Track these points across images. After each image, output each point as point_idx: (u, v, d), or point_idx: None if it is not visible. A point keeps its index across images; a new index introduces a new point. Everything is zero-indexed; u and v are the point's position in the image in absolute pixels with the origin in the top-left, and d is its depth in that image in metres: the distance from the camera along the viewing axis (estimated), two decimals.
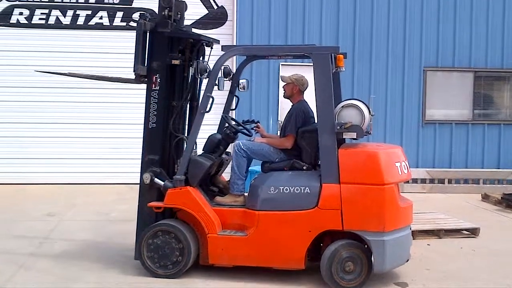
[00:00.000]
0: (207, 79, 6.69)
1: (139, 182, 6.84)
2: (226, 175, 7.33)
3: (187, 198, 6.53)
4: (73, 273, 6.72)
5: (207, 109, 6.60)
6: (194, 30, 7.76)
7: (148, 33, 6.76)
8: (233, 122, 7.26)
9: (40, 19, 13.01)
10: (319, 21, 13.27)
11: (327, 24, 13.29)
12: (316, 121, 6.71)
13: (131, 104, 12.10)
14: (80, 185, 12.68)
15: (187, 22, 7.35)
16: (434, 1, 13.52)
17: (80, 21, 13.07)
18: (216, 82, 6.64)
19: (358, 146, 6.69)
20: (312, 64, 6.47)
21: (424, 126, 13.63)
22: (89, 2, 13.08)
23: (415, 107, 13.61)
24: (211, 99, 6.57)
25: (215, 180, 7.21)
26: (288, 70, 10.81)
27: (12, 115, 12.84)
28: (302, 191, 6.34)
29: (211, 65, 6.82)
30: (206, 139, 6.99)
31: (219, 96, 7.01)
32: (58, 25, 13.04)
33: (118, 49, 12.40)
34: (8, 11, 12.92)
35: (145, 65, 6.78)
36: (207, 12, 13.28)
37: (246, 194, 6.79)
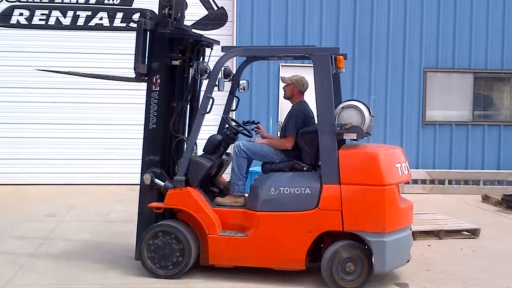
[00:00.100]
0: (207, 80, 6.69)
1: (139, 182, 6.84)
2: (226, 176, 7.33)
3: (187, 199, 6.53)
4: (73, 273, 6.72)
5: (207, 110, 6.61)
6: (194, 30, 7.74)
7: (148, 32, 6.76)
8: (233, 123, 7.26)
9: (40, 20, 13.02)
10: (319, 22, 13.28)
11: (327, 25, 13.29)
12: (316, 122, 6.71)
13: (131, 105, 12.13)
14: (80, 185, 12.68)
15: (187, 23, 7.35)
16: (434, 2, 13.52)
17: (80, 22, 13.08)
18: (216, 83, 6.65)
19: (358, 147, 6.69)
20: (312, 65, 6.47)
21: (424, 127, 13.63)
22: (89, 3, 13.09)
23: (415, 108, 13.61)
24: (211, 100, 6.57)
25: (216, 181, 7.21)
26: (288, 71, 10.83)
27: (11, 115, 12.84)
28: (303, 192, 6.34)
29: (211, 66, 6.82)
30: (206, 140, 6.99)
31: (219, 97, 7.02)
32: (58, 25, 13.04)
33: (118, 50, 12.40)
34: (8, 12, 12.92)
35: (146, 63, 6.78)
36: (207, 13, 13.29)
37: (246, 195, 6.79)
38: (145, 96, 6.87)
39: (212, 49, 7.37)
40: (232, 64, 11.69)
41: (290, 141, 6.80)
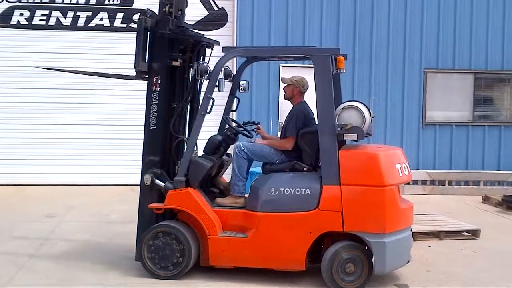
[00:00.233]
0: (208, 80, 6.69)
1: (139, 183, 6.84)
2: (226, 176, 7.33)
3: (187, 200, 6.53)
4: (73, 274, 6.72)
5: (208, 111, 6.60)
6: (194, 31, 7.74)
7: (149, 33, 6.76)
8: (234, 124, 7.26)
9: (40, 20, 13.02)
10: (319, 22, 13.28)
11: (327, 26, 13.30)
12: (316, 123, 6.71)
13: (132, 106, 12.14)
14: (80, 186, 12.69)
15: (187, 24, 7.35)
16: (434, 2, 13.52)
17: (81, 22, 13.09)
18: (217, 83, 6.63)
19: (358, 147, 6.69)
20: (312, 65, 6.47)
21: (424, 127, 13.63)
22: (90, 3, 13.09)
23: (416, 109, 13.61)
24: (211, 101, 6.57)
25: (216, 181, 7.21)
26: (288, 72, 10.83)
27: (12, 116, 12.85)
28: (303, 193, 6.34)
29: (211, 66, 6.82)
30: (206, 141, 6.99)
31: (220, 98, 7.02)
32: (59, 26, 13.05)
33: (119, 50, 12.41)
34: (9, 12, 12.93)
35: (146, 61, 6.78)
36: (208, 13, 13.30)
37: (246, 195, 6.79)
38: (145, 97, 6.88)
39: (212, 49, 7.37)
40: (233, 65, 11.70)
41: (291, 141, 6.80)
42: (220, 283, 6.47)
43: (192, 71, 6.94)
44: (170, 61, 6.78)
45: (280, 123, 12.41)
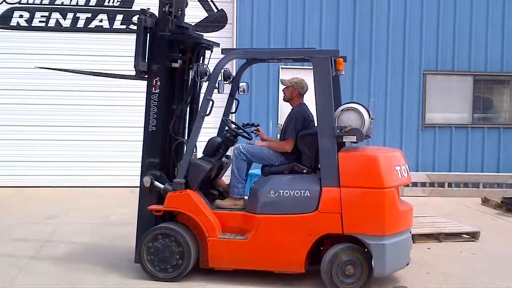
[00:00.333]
0: (207, 82, 6.70)
1: (139, 185, 6.84)
2: (226, 178, 7.34)
3: (187, 201, 6.53)
4: (73, 276, 6.72)
5: (207, 112, 6.61)
6: None
7: (148, 34, 6.76)
8: (233, 125, 7.27)
9: (40, 21, 13.03)
10: (319, 24, 13.28)
11: (327, 28, 13.30)
12: (316, 125, 6.71)
13: (131, 107, 12.14)
14: (80, 188, 12.66)
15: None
16: (434, 4, 13.53)
17: (80, 24, 13.10)
18: (216, 85, 6.65)
19: (358, 149, 6.70)
20: (312, 67, 6.47)
21: (424, 129, 13.63)
22: (89, 5, 13.10)
23: (415, 111, 13.62)
24: (211, 102, 6.58)
25: (215, 183, 7.21)
26: (288, 74, 10.80)
27: (12, 117, 12.84)
28: (302, 195, 6.34)
29: (211, 68, 6.83)
30: (206, 142, 7.00)
31: (219, 99, 7.02)
32: (58, 27, 13.06)
33: (118, 52, 12.40)
34: (8, 14, 12.93)
35: (146, 61, 6.78)
36: (207, 15, 13.30)
37: (246, 197, 6.79)
38: (145, 99, 6.88)
39: (212, 51, 7.38)
40: (232, 67, 11.68)
41: (290, 143, 6.81)
42: (219, 285, 6.47)
43: (191, 73, 6.94)
44: (169, 63, 6.78)
45: (279, 125, 12.39)
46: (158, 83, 6.79)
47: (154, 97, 6.81)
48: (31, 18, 12.99)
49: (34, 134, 12.86)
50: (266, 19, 13.17)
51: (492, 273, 7.20)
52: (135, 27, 6.80)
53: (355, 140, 6.41)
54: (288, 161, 6.76)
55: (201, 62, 7.19)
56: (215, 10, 13.29)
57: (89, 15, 13.12)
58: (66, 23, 13.06)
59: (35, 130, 12.87)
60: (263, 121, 12.78)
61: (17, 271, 6.84)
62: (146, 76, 6.86)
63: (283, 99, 7.24)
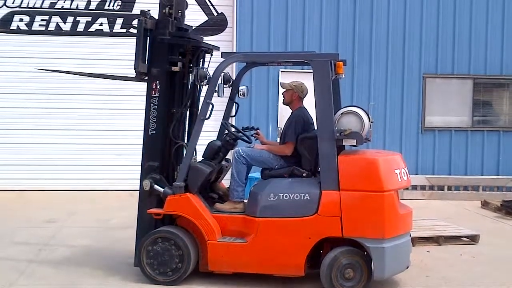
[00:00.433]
0: (207, 86, 6.71)
1: (138, 188, 6.84)
2: (225, 181, 7.34)
3: (186, 205, 6.53)
4: (73, 279, 6.73)
5: (207, 116, 6.61)
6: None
7: (148, 36, 6.77)
8: (233, 129, 7.27)
9: (40, 25, 13.04)
10: (318, 28, 13.30)
11: (326, 31, 13.32)
12: (315, 128, 6.72)
13: (131, 111, 12.13)
14: (80, 191, 12.67)
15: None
16: (434, 7, 13.54)
17: (80, 27, 13.11)
18: (216, 88, 6.65)
19: (357, 153, 6.70)
20: (311, 71, 6.48)
21: (423, 133, 13.64)
22: (89, 8, 13.11)
23: (415, 114, 13.62)
24: (211, 106, 6.58)
25: (215, 186, 7.22)
26: (287, 77, 10.84)
27: (12, 121, 12.85)
28: (302, 198, 6.35)
29: (211, 71, 6.84)
30: (206, 146, 7.00)
31: (219, 103, 7.02)
32: (58, 31, 13.07)
33: (118, 55, 12.40)
34: (9, 18, 12.96)
35: (146, 62, 6.79)
36: (207, 18, 13.30)
37: (245, 201, 6.79)
38: (144, 102, 6.88)
39: (211, 55, 7.39)
40: (232, 70, 11.71)
41: (290, 147, 6.81)
42: None
43: (191, 77, 6.96)
44: (169, 66, 6.80)
45: (279, 129, 12.41)
46: (158, 87, 6.80)
47: (154, 100, 6.82)
48: (31, 21, 13.01)
49: (35, 138, 12.86)
50: (266, 22, 13.18)
51: (492, 276, 7.20)
52: (135, 31, 6.80)
53: (354, 144, 6.42)
54: (288, 165, 6.77)
55: (201, 65, 7.19)
56: (215, 14, 13.29)
57: (89, 18, 13.14)
58: (66, 26, 13.08)
59: (36, 133, 12.88)
60: (263, 125, 12.78)
61: (17, 275, 6.84)
62: (146, 78, 6.86)
63: (283, 103, 7.24)
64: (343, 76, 6.61)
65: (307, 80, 7.14)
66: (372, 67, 13.45)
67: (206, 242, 6.48)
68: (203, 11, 13.26)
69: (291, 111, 7.10)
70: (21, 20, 12.99)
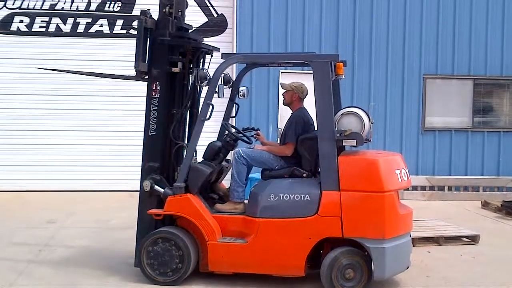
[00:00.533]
0: (207, 86, 6.71)
1: (139, 189, 6.84)
2: (226, 182, 7.34)
3: (187, 206, 6.53)
4: (73, 279, 6.72)
5: (207, 117, 6.62)
6: None
7: (148, 37, 6.76)
8: (233, 130, 7.27)
9: (40, 27, 13.05)
10: (318, 29, 13.30)
11: (326, 32, 13.32)
12: (316, 129, 6.72)
13: (131, 112, 12.14)
14: (80, 192, 12.68)
15: None
16: (434, 8, 13.55)
17: (80, 29, 13.11)
18: (216, 89, 6.66)
19: (358, 153, 6.70)
20: (312, 71, 6.48)
21: (423, 133, 13.64)
22: (90, 10, 13.12)
23: (415, 115, 13.62)
24: (211, 107, 6.59)
25: (215, 187, 7.22)
26: (288, 78, 10.85)
27: (11, 122, 12.86)
28: (302, 199, 6.34)
29: (211, 72, 6.84)
30: (206, 147, 7.00)
31: (219, 104, 7.04)
32: (58, 33, 13.08)
33: (119, 56, 12.40)
34: (9, 19, 12.96)
35: (146, 62, 6.79)
36: (207, 20, 13.31)
37: (246, 201, 6.79)
38: (145, 103, 6.89)
39: (212, 56, 7.40)
40: (232, 71, 11.71)
41: (290, 147, 6.81)
42: None
43: (191, 77, 6.96)
44: (170, 67, 6.80)
45: (279, 129, 12.41)
46: (158, 88, 6.80)
47: (154, 101, 6.82)
48: (31, 23, 13.01)
49: (34, 139, 12.86)
50: (266, 23, 13.18)
51: (492, 277, 7.19)
52: (135, 32, 6.80)
53: (355, 144, 6.42)
54: (288, 165, 6.77)
55: (201, 66, 7.20)
56: (215, 15, 13.31)
57: (89, 20, 13.14)
58: (66, 28, 13.09)
59: (35, 134, 12.88)
60: (263, 125, 12.78)
61: (16, 275, 6.83)
62: (147, 77, 6.87)
63: (283, 103, 7.25)
64: (343, 77, 6.60)
65: (307, 81, 7.14)
66: (372, 68, 13.45)
67: (207, 242, 6.49)
68: (203, 12, 13.28)
69: (291, 112, 7.11)
70: (21, 21, 13.00)
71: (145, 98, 6.88)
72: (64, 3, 13.07)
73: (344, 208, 6.21)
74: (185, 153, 6.87)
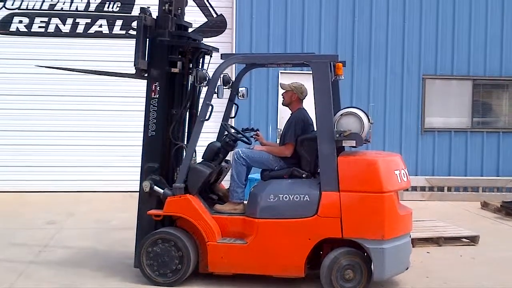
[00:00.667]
0: (207, 87, 6.71)
1: (138, 190, 6.84)
2: (225, 183, 7.34)
3: (186, 206, 6.53)
4: (73, 280, 6.72)
5: (207, 117, 6.62)
6: None
7: (148, 36, 6.76)
8: (233, 130, 7.27)
9: (39, 27, 13.04)
10: (318, 29, 13.30)
11: (326, 32, 13.32)
12: (315, 129, 6.72)
13: (131, 112, 12.13)
14: (80, 193, 12.68)
15: None
16: (433, 9, 13.55)
17: (80, 29, 13.11)
18: (216, 90, 6.66)
19: (357, 154, 6.70)
20: (311, 72, 6.48)
21: (423, 134, 13.64)
22: (89, 10, 13.11)
23: (414, 115, 13.62)
24: (210, 107, 6.59)
25: (215, 188, 7.22)
26: (287, 78, 10.83)
27: (11, 123, 12.85)
28: (302, 199, 6.34)
29: (210, 73, 6.83)
30: (205, 147, 7.00)
31: (219, 104, 7.03)
32: (58, 33, 13.07)
33: (118, 57, 12.37)
34: (8, 19, 12.95)
35: (146, 59, 6.78)
36: (207, 20, 13.31)
37: (245, 202, 6.79)
38: (144, 104, 6.88)
39: (211, 56, 7.39)
40: (231, 71, 11.71)
41: (289, 148, 6.81)
42: None
43: (191, 78, 6.96)
44: (169, 67, 6.80)
45: (279, 130, 12.42)
46: (158, 88, 6.80)
47: (154, 102, 6.82)
48: (31, 23, 13.01)
49: (34, 139, 12.86)
50: (266, 24, 13.18)
51: (492, 277, 7.19)
52: (134, 32, 6.80)
53: (354, 145, 6.42)
54: (288, 166, 6.77)
55: (200, 67, 7.20)
56: (215, 16, 13.30)
57: (89, 20, 13.14)
58: (66, 28, 13.08)
59: (35, 135, 12.87)
60: (263, 126, 12.77)
61: (16, 276, 6.83)
62: (146, 75, 6.86)
63: (282, 104, 7.25)
64: (343, 78, 6.61)
65: (306, 81, 7.14)
66: (371, 68, 13.45)
67: (206, 243, 6.48)
68: (203, 13, 13.26)
69: (291, 112, 7.10)
70: (20, 22, 12.99)
71: (145, 98, 6.87)
72: (64, 4, 13.07)
73: (344, 209, 6.21)
74: (184, 153, 6.87)
